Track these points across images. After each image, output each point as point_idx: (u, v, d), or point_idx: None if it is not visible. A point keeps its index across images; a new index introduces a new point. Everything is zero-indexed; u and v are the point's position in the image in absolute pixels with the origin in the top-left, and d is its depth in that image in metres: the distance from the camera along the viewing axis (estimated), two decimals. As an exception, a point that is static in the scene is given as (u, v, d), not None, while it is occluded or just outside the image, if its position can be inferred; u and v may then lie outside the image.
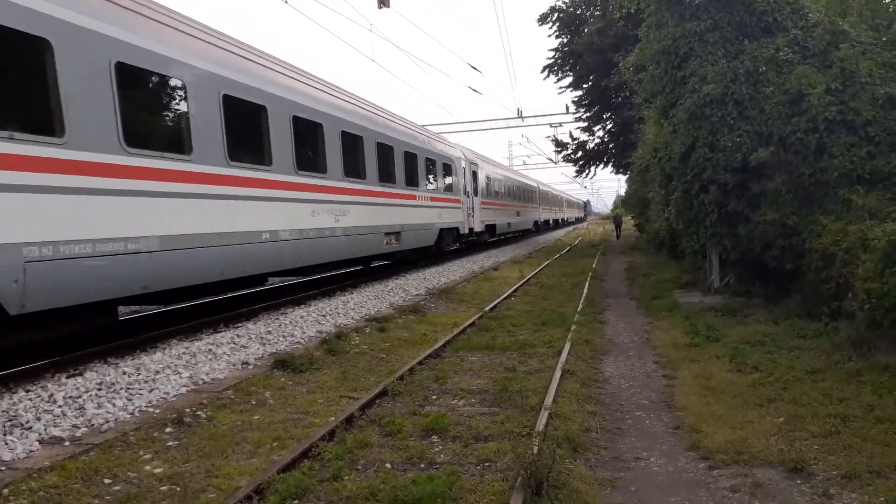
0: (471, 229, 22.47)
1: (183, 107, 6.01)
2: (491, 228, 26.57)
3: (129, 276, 4.90)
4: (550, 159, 57.69)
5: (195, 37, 6.64)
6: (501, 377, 7.48)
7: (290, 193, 8.67)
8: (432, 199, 17.04)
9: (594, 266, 21.39)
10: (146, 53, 5.27)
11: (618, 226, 41.37)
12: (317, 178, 9.59)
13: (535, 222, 40.88)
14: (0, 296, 3.33)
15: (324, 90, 9.96)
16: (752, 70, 10.87)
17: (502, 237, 24.91)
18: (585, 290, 15.04)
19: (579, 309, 12.25)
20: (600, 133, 35.97)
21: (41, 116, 4.12)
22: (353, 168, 11.10)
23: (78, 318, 4.64)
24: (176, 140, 5.90)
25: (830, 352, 7.46)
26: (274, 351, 8.89)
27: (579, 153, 36.92)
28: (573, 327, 10.24)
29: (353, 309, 12.62)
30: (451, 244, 20.34)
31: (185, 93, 5.96)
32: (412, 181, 15.07)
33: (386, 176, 12.96)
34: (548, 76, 33.82)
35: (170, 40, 5.89)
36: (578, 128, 36.32)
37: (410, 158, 14.55)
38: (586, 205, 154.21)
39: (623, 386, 7.29)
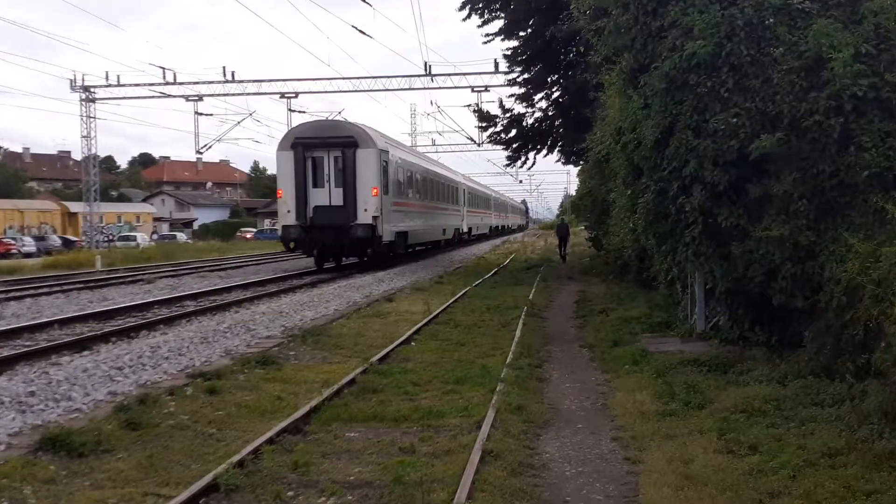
0: (465, 229, 51.66)
1: (431, 184, 40.69)
2: (470, 230, 56.80)
3: (448, 231, 44.98)
4: (472, 139, 58.51)
5: (421, 157, 42.60)
6: (394, 462, 7.49)
7: (452, 210, 49.02)
8: (455, 210, 48.64)
9: (531, 297, 21.87)
10: (408, 163, 34.79)
11: (563, 240, 41.78)
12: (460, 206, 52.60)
13: (490, 227, 76.76)
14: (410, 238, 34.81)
15: (448, 172, 50.34)
16: (756, 22, 11.40)
17: (421, 248, 42.67)
18: (518, 333, 15.33)
19: (509, 360, 12.45)
20: (543, 103, 36.90)
21: (429, 193, 39.56)
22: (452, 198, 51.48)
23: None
24: (441, 197, 43.65)
25: (856, 426, 7.86)
26: (40, 423, 8.64)
27: (513, 131, 37.75)
28: (500, 387, 10.39)
29: (168, 358, 12.36)
30: (455, 237, 48.58)
31: (431, 180, 40.75)
32: (455, 201, 50.07)
33: (449, 199, 46.91)
34: (469, 16, 33.87)
35: (423, 161, 41.78)
36: (512, 95, 37.05)
37: (454, 189, 47.87)
38: (527, 209, 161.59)
39: (568, 474, 7.42)
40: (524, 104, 37.12)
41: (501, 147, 39.11)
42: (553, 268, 35.13)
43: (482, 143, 50.99)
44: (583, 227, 44.54)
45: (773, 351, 11.50)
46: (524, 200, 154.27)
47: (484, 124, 39.49)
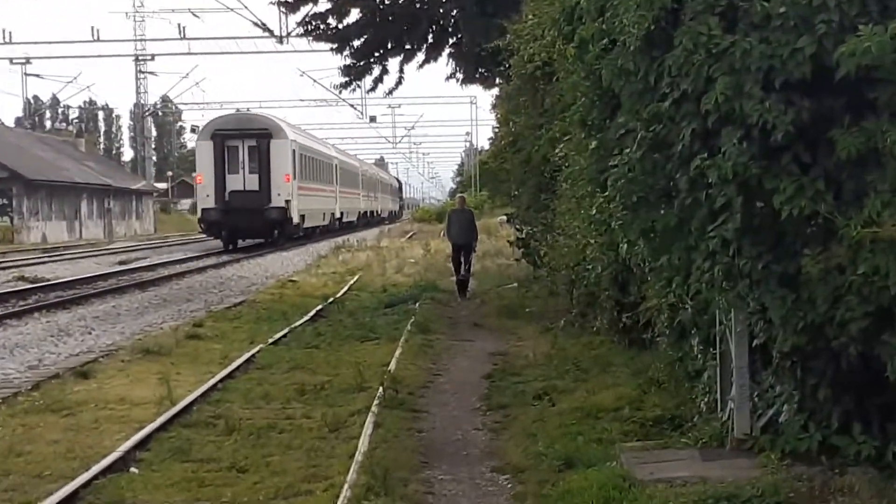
0: (339, 214, 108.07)
1: (319, 165, 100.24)
2: (343, 215, 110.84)
3: (327, 216, 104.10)
4: (264, 27, 58.28)
5: (310, 139, 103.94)
6: None
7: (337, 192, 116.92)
8: (331, 192, 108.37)
9: (393, 366, 21.78)
10: (306, 148, 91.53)
11: (462, 247, 41.08)
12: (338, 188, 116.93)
13: (360, 212, 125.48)
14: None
15: (334, 153, 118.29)
16: None
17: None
18: (364, 444, 15.41)
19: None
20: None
21: (317, 175, 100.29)
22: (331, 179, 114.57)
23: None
24: (323, 178, 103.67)
25: None
26: None
27: (353, 13, 38.66)
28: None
29: None
30: (332, 223, 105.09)
31: (318, 161, 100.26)
32: (330, 181, 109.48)
33: (326, 179, 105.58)
34: None
35: (313, 142, 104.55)
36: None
37: (329, 167, 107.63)
38: (401, 186, 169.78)
39: None
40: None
41: (329, 46, 39.12)
42: (442, 303, 35.72)
43: (287, 36, 50.96)
44: (504, 219, 44.70)
45: (889, 475, 11.65)
46: (381, 158, 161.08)
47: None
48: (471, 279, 40.70)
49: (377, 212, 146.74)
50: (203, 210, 63.09)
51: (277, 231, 66.71)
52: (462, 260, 40.37)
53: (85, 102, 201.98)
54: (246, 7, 71.91)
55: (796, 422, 12.96)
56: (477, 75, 39.13)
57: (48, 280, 41.46)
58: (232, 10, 73.87)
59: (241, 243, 72.14)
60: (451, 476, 14.33)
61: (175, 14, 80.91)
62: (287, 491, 13.39)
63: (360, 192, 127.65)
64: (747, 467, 12.71)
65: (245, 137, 63.09)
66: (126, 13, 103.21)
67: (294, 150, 67.25)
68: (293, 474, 14.18)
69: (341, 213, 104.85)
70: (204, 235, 75.29)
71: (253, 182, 63.07)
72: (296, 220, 66.02)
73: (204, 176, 62.58)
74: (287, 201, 62.25)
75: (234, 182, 62.48)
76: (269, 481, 13.86)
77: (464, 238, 40.64)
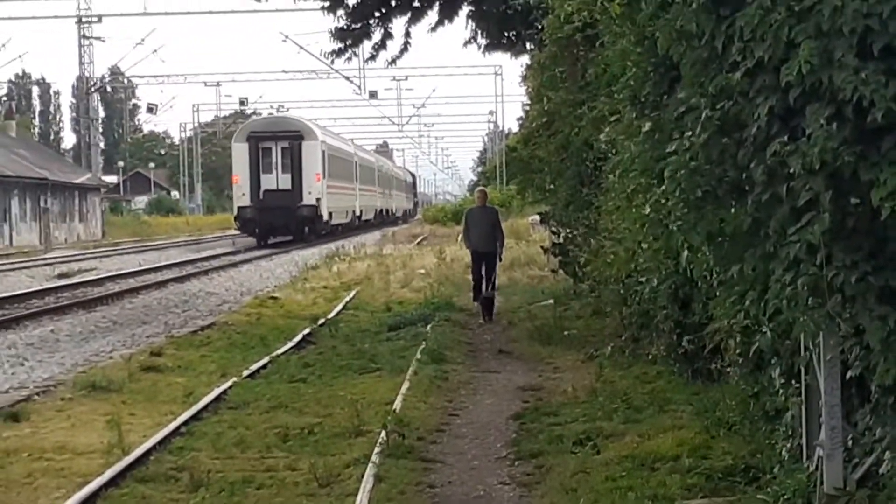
0: (358, 211, 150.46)
1: (343, 163, 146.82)
2: (362, 212, 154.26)
3: (349, 214, 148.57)
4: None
5: (336, 139, 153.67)
6: None
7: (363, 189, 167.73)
8: (351, 190, 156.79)
9: (398, 405, 21.71)
10: (334, 148, 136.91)
11: (483, 256, 39.73)
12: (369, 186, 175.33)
13: (376, 210, 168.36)
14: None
15: (361, 153, 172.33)
16: None
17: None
18: (362, 503, 15.29)
19: None
20: None
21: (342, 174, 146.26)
22: (368, 179, 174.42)
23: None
24: (346, 176, 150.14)
25: None
26: None
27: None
28: None
29: None
30: (353, 221, 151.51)
31: (342, 159, 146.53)
32: (350, 178, 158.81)
33: (348, 176, 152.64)
34: None
35: (338, 142, 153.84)
36: None
37: (350, 164, 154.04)
38: (415, 181, 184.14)
39: None
40: None
41: (319, 4, 39.33)
42: (459, 325, 35.74)
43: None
44: (536, 219, 44.71)
45: None
46: (385, 143, 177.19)
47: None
48: (497, 293, 40.09)
49: (392, 210, 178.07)
50: (239, 208, 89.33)
51: (308, 228, 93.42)
52: (484, 271, 39.12)
53: (16, 76, 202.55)
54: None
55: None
56: (503, 39, 39.13)
57: (-33, 299, 41.40)
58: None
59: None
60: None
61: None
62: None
63: (377, 189, 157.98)
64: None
65: (278, 139, 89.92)
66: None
67: (324, 151, 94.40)
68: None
69: (360, 211, 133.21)
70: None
71: (286, 181, 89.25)
72: (325, 217, 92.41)
73: (240, 176, 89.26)
74: (317, 199, 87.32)
75: (268, 182, 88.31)
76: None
77: (486, 244, 39.32)
